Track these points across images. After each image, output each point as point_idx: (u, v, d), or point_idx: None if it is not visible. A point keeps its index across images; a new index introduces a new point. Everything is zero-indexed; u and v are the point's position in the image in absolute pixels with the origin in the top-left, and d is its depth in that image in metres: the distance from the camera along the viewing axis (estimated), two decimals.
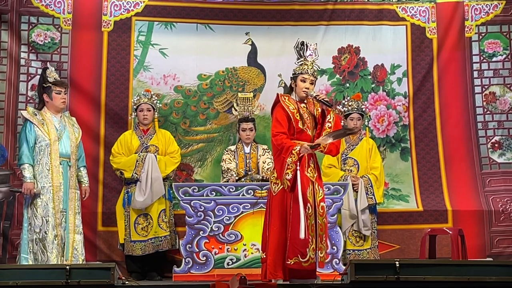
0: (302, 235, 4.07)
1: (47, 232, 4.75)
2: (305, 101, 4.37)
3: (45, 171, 4.82)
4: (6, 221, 5.41)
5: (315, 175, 4.30)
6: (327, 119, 4.30)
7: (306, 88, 4.32)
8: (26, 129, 4.87)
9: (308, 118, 4.32)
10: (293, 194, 4.18)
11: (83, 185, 5.07)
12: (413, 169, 6.23)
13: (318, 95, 4.34)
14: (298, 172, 4.15)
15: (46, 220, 4.77)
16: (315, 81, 4.40)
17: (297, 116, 4.28)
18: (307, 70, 4.35)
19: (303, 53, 4.40)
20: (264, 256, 4.26)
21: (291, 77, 4.44)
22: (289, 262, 4.14)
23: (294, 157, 4.17)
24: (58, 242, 4.78)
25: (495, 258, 5.74)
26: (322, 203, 4.27)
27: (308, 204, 4.18)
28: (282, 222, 4.20)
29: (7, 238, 5.43)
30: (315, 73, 4.39)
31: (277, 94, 4.42)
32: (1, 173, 5.54)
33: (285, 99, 4.34)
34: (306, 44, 4.41)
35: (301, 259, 4.14)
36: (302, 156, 4.22)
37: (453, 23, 6.36)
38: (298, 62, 4.41)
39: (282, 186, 4.22)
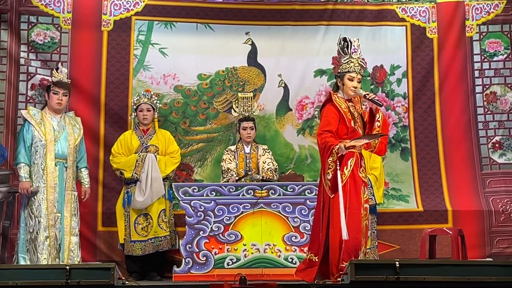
0: (344, 236, 4.00)
1: (38, 233, 4.75)
2: (352, 100, 4.29)
3: (40, 172, 4.83)
4: (6, 220, 5.41)
5: (364, 176, 4.24)
6: (376, 118, 4.22)
7: (354, 87, 4.23)
8: (24, 129, 4.89)
9: (358, 117, 4.25)
10: (341, 196, 4.09)
11: (84, 186, 5.06)
12: (413, 169, 6.22)
13: (368, 94, 4.25)
14: (339, 172, 4.07)
15: (38, 220, 4.77)
16: (362, 79, 4.31)
17: (349, 115, 4.20)
18: (354, 68, 4.23)
19: (348, 50, 4.28)
20: (316, 260, 4.17)
21: (336, 75, 4.34)
22: (343, 265, 4.03)
23: (333, 156, 4.08)
24: (50, 244, 4.77)
25: (495, 258, 5.74)
26: (365, 205, 4.20)
27: (365, 205, 4.14)
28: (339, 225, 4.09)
29: (7, 237, 5.42)
30: (362, 70, 4.27)
31: (330, 92, 4.32)
32: (1, 173, 5.53)
33: (336, 97, 4.25)
34: (350, 40, 4.29)
35: None
36: (354, 156, 4.15)
37: (454, 22, 6.36)
38: (344, 60, 4.30)
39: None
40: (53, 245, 4.79)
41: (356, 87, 4.24)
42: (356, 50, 4.30)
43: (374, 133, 4.21)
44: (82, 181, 5.07)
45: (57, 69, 5.09)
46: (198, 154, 6.20)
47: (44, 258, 4.72)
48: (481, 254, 5.86)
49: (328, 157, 4.09)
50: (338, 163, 4.08)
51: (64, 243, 4.81)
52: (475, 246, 5.79)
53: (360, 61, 4.29)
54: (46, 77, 5.73)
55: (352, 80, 4.24)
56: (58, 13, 6.06)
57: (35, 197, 4.80)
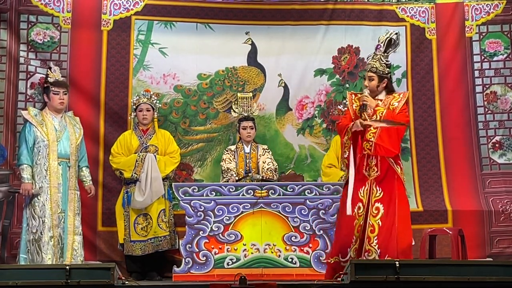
0: (348, 211, 4.10)
1: (42, 233, 4.75)
2: (376, 97, 4.35)
3: (43, 172, 4.82)
4: (5, 220, 5.41)
5: (376, 174, 4.23)
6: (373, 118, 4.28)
7: (365, 85, 4.37)
8: (26, 129, 4.88)
9: (379, 115, 4.30)
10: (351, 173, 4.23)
11: (86, 184, 5.06)
12: (413, 169, 6.21)
13: (365, 96, 4.31)
14: (351, 149, 4.21)
15: (42, 220, 4.77)
16: (377, 77, 4.33)
17: (358, 113, 4.30)
18: (368, 66, 4.38)
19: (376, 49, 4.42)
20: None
21: None
22: (329, 261, 4.13)
23: (348, 133, 4.24)
24: (54, 244, 4.77)
25: (495, 258, 5.74)
26: (377, 204, 4.20)
27: (360, 204, 4.15)
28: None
29: (6, 237, 5.42)
30: (375, 68, 4.33)
31: (348, 93, 4.52)
32: (1, 172, 5.53)
33: (353, 96, 4.42)
34: (380, 36, 4.43)
35: (341, 259, 4.11)
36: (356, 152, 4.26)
37: (453, 23, 6.35)
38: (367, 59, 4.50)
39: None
40: (57, 244, 4.79)
41: (367, 86, 4.36)
42: (379, 47, 4.38)
43: (368, 133, 4.24)
44: (84, 179, 5.08)
45: (49, 68, 5.08)
46: (198, 154, 6.20)
47: (49, 258, 4.72)
48: (481, 254, 5.86)
49: (344, 136, 4.25)
50: (352, 140, 4.24)
51: (68, 242, 4.82)
52: (475, 246, 5.78)
53: (383, 58, 4.35)
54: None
55: (365, 79, 4.39)
56: (57, 12, 6.05)
57: (39, 197, 4.79)
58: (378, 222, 4.17)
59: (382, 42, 4.38)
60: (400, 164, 4.31)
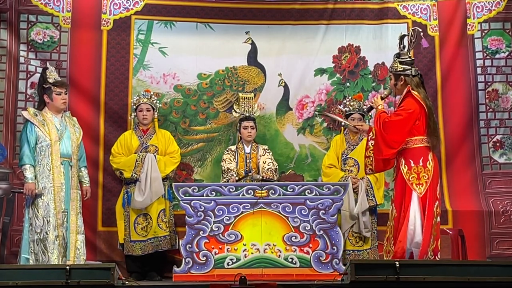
0: None
1: (48, 233, 4.75)
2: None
3: (46, 172, 4.82)
4: (6, 217, 5.42)
5: (394, 176, 4.46)
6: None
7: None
8: (27, 129, 4.87)
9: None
10: None
11: (84, 185, 5.07)
12: None
13: (374, 98, 4.67)
14: None
15: (47, 220, 4.77)
16: (393, 75, 4.52)
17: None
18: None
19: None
20: None
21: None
22: None
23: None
24: (60, 243, 4.78)
25: (495, 260, 5.71)
26: (392, 205, 4.34)
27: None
28: None
29: (6, 235, 5.43)
30: (390, 67, 4.55)
31: None
32: (1, 170, 5.53)
33: None
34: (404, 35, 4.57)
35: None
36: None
37: (455, 20, 6.33)
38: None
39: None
40: (62, 244, 4.80)
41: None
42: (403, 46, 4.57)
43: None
44: (83, 180, 5.08)
45: (46, 69, 5.06)
46: (198, 153, 6.19)
47: (55, 258, 4.72)
48: (481, 255, 5.82)
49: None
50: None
51: (71, 242, 4.82)
52: (475, 247, 5.75)
53: (401, 57, 4.53)
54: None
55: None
56: (57, 12, 6.05)
57: (42, 197, 4.79)
58: (393, 223, 4.20)
59: (406, 42, 4.48)
60: (409, 162, 4.29)
